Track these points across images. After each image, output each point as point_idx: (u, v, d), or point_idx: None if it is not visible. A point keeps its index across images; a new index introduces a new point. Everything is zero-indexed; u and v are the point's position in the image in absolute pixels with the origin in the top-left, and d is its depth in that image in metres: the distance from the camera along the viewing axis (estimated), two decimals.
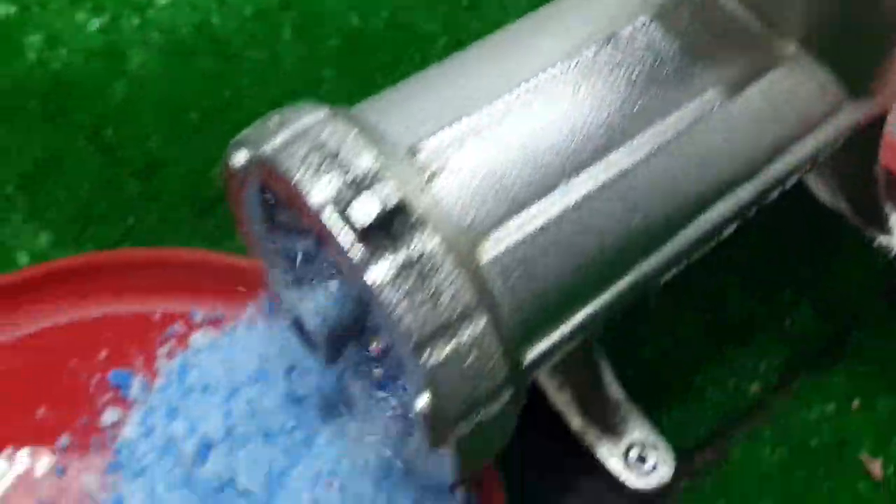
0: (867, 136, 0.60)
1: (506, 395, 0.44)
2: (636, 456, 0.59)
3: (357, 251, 0.41)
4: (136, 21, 0.79)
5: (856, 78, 0.51)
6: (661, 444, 0.59)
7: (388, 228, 0.41)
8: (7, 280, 0.63)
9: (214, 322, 0.63)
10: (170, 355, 0.62)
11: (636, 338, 0.63)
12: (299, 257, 0.50)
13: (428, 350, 0.42)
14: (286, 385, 0.58)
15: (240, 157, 0.45)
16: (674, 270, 0.50)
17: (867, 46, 0.51)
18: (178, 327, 0.63)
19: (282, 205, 0.48)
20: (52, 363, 0.62)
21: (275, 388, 0.58)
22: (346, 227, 0.41)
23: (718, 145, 0.48)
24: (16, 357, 0.62)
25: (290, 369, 0.58)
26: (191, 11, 0.79)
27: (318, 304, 0.47)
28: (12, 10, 0.79)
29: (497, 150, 0.45)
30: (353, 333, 0.48)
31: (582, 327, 0.47)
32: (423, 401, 0.43)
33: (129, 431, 0.60)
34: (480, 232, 0.44)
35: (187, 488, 0.57)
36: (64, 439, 0.60)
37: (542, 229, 0.45)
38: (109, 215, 0.69)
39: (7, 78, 0.76)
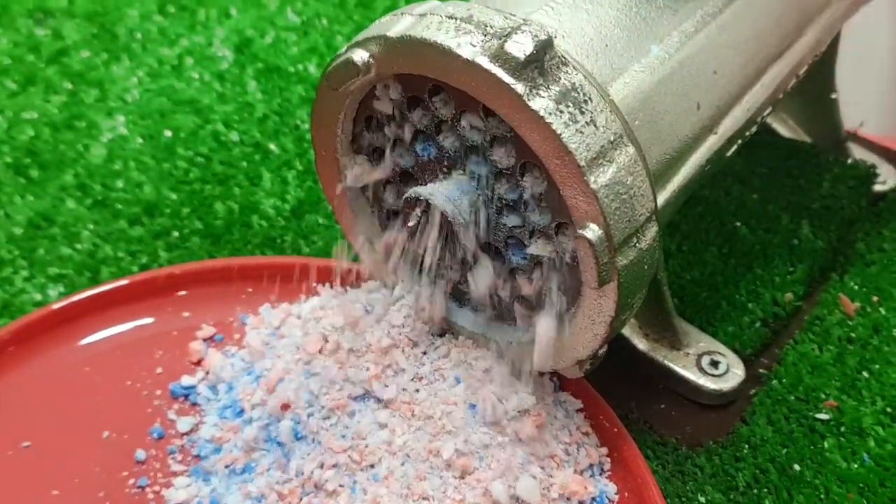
0: (825, 63, 0.69)
1: (653, 228, 0.47)
2: (708, 362, 0.61)
3: (519, 86, 0.43)
4: (94, 93, 0.79)
5: None
6: (727, 351, 0.62)
7: (541, 64, 0.43)
8: (46, 312, 0.60)
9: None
10: (227, 356, 0.60)
11: (672, 272, 0.66)
12: (415, 161, 0.52)
13: (595, 172, 0.44)
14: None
15: (361, 54, 0.47)
16: (741, 138, 0.55)
17: None
18: (232, 331, 0.61)
19: (396, 107, 0.50)
20: (110, 383, 0.58)
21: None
22: (503, 68, 0.43)
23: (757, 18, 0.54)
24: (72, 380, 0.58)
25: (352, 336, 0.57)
26: (150, 81, 0.80)
27: (449, 192, 0.49)
28: None
29: (593, 20, 0.49)
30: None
31: (692, 175, 0.51)
32: (592, 230, 0.44)
33: (207, 432, 0.56)
34: (603, 80, 0.47)
35: (283, 473, 0.54)
36: (140, 453, 0.56)
37: (658, 81, 0.48)
38: (119, 258, 0.67)
39: None
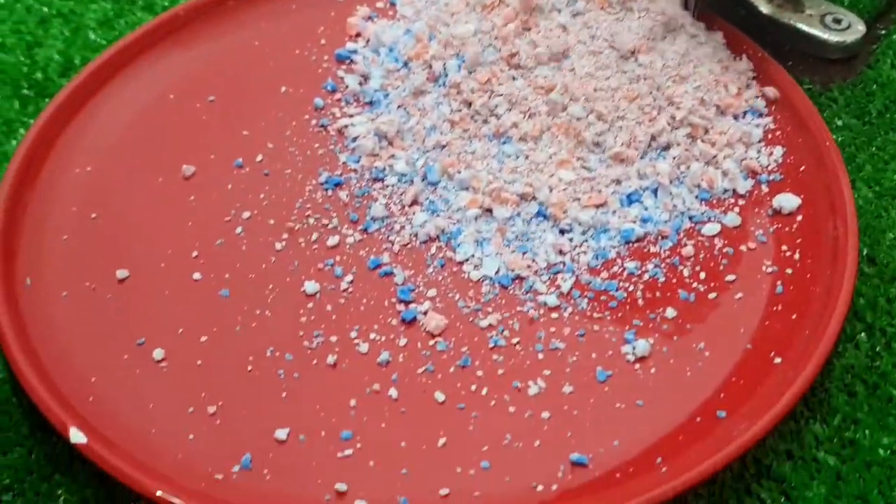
0: None
1: None
2: (831, 20, 0.65)
3: None
4: None
5: None
6: (847, 11, 0.66)
7: None
8: None
9: None
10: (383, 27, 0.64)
11: None
12: None
13: None
14: None
15: None
16: None
17: None
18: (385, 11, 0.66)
19: None
20: (280, 51, 0.63)
21: None
22: None
23: None
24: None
25: None
26: None
27: None
28: None
29: None
30: None
31: None
32: None
33: (376, 83, 0.61)
34: None
35: (450, 106, 0.59)
36: (318, 101, 0.60)
37: None
38: None
39: None
